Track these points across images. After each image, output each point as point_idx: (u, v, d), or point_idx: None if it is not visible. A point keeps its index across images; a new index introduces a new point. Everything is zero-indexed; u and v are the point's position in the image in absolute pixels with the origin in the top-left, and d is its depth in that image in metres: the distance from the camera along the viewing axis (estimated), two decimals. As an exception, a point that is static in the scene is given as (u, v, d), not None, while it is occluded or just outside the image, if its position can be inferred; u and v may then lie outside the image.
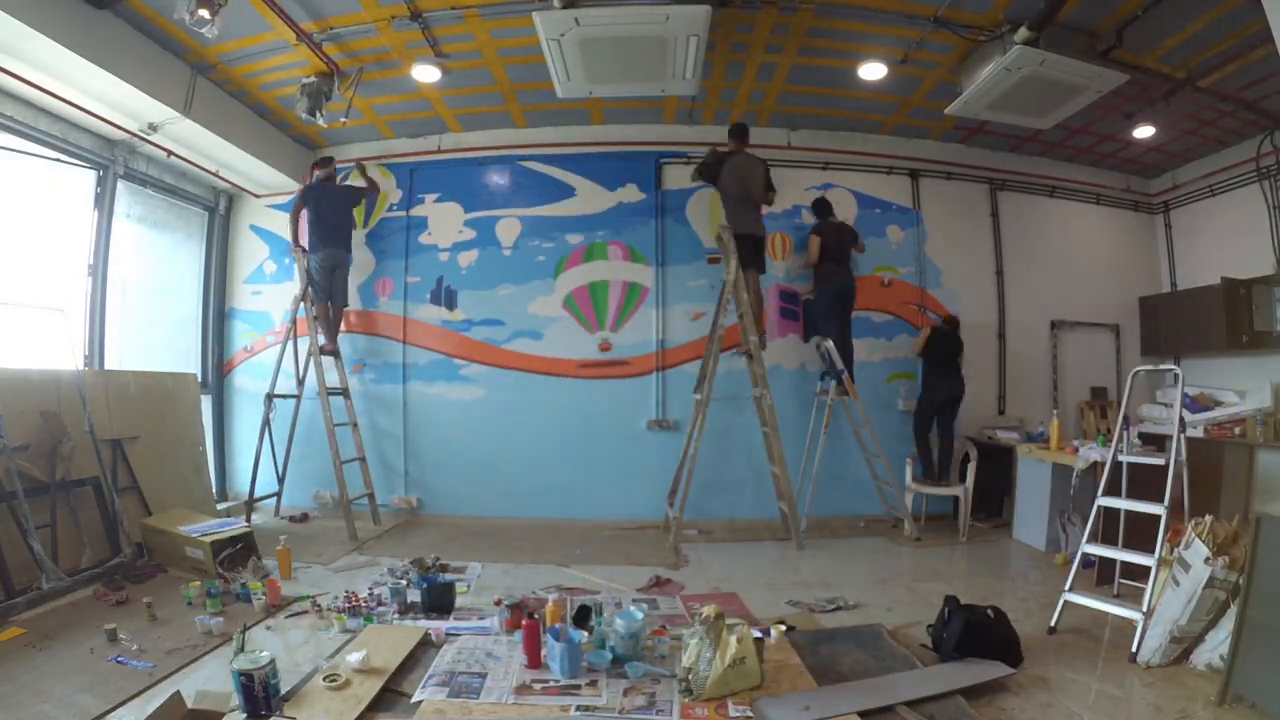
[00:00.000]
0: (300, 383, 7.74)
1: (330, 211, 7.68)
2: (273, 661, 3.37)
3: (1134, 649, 4.03)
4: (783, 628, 4.40)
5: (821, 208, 7.81)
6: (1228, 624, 3.66)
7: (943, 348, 7.65)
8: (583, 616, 4.45)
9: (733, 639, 3.57)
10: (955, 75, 6.54)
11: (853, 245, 7.75)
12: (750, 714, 3.35)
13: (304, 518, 7.90)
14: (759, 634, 4.09)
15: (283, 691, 3.47)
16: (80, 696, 3.53)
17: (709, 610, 3.74)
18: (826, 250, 7.51)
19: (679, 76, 6.02)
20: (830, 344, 7.27)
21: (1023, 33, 5.47)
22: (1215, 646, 3.76)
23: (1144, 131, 7.72)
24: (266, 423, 7.61)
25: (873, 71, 6.72)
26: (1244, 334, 7.49)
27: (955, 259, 8.38)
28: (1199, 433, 7.34)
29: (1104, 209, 9.07)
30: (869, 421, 7.26)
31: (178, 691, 3.18)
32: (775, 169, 7.93)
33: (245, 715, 3.20)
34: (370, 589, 5.24)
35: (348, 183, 8.13)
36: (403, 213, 8.36)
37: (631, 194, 8.13)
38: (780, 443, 6.96)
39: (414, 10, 5.74)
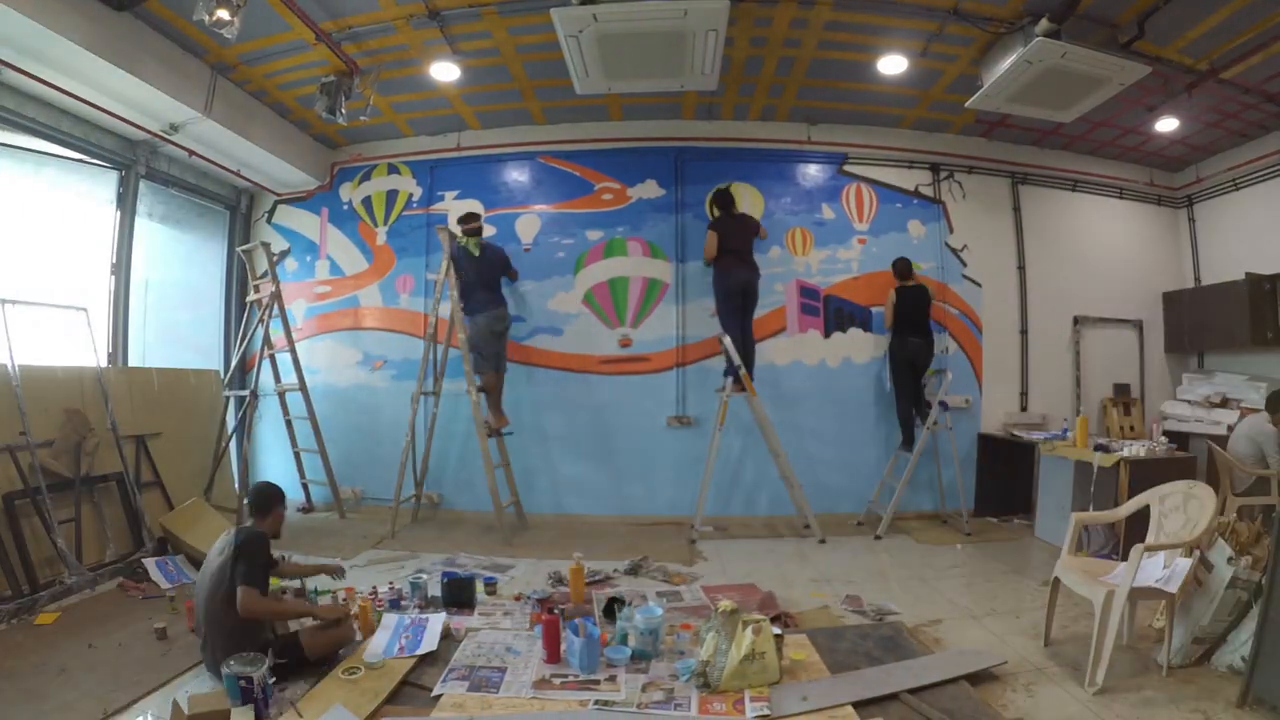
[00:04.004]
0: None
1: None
2: (266, 663, 3.35)
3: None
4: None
5: (722, 200, 7.57)
6: (1250, 625, 3.62)
7: (908, 304, 7.55)
8: (612, 609, 4.50)
9: (748, 631, 3.58)
10: (976, 68, 6.48)
11: (754, 235, 7.56)
12: (768, 709, 3.34)
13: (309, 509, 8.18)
14: (779, 630, 4.09)
15: (299, 687, 3.51)
16: (104, 689, 3.58)
17: (725, 604, 3.75)
18: (726, 245, 7.33)
19: (698, 72, 5.98)
20: (729, 340, 7.12)
21: (1044, 25, 5.42)
22: (1237, 648, 3.72)
23: (1167, 125, 7.62)
24: (237, 422, 7.66)
25: (892, 65, 6.68)
26: (1269, 330, 7.41)
27: (976, 254, 8.30)
28: (1222, 430, 7.29)
29: (1127, 203, 8.97)
30: (767, 421, 7.18)
31: (174, 701, 3.22)
32: (795, 163, 8.07)
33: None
34: (391, 584, 5.26)
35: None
36: (423, 210, 8.39)
37: (651, 190, 8.12)
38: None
39: (432, 9, 5.76)
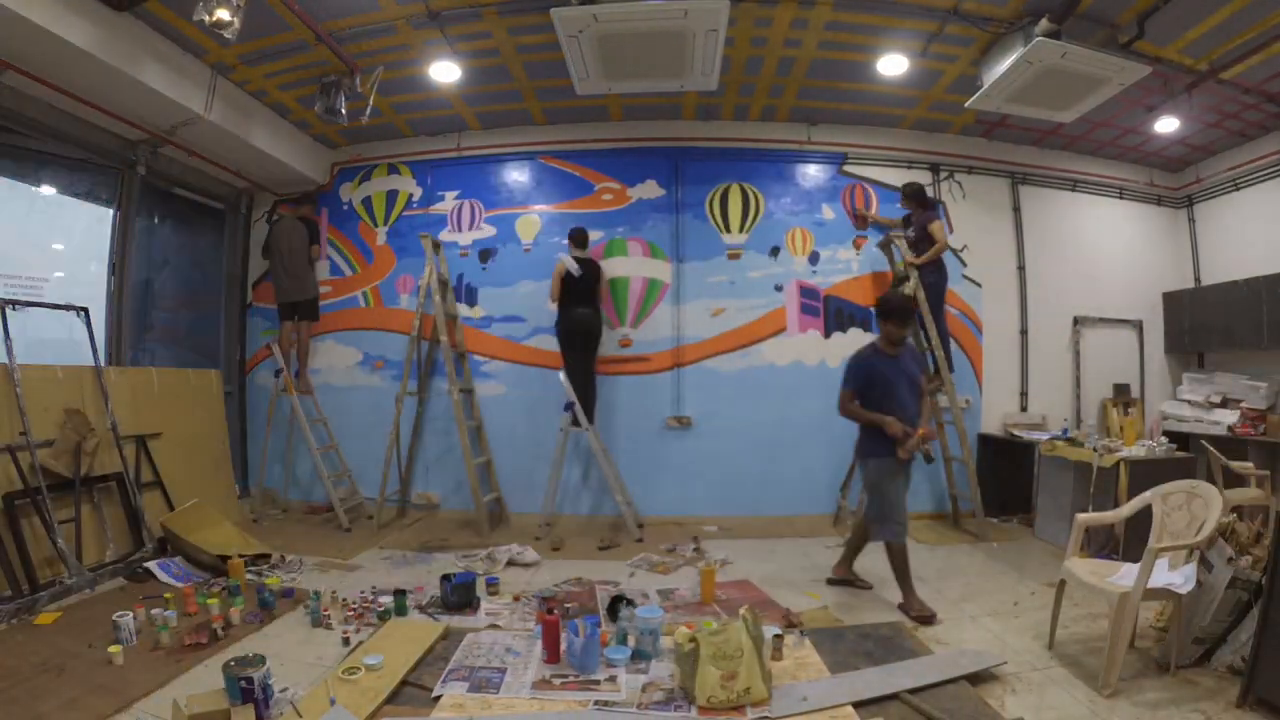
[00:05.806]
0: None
1: None
2: (266, 663, 3.34)
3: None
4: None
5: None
6: (1250, 625, 3.61)
7: (578, 277, 7.39)
8: (615, 607, 4.51)
9: (712, 671, 3.39)
10: (976, 68, 6.47)
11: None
12: (768, 713, 3.34)
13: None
14: (778, 631, 4.08)
15: (299, 687, 3.51)
16: (104, 689, 3.59)
17: (680, 636, 3.61)
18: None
19: (698, 72, 5.96)
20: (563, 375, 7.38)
21: (1044, 25, 5.41)
22: (1237, 648, 3.72)
23: (1167, 125, 7.58)
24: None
25: (893, 65, 6.66)
26: (1269, 330, 7.40)
27: (976, 254, 8.28)
28: (1223, 431, 7.28)
29: (1127, 203, 8.96)
30: (608, 455, 7.47)
31: (174, 701, 3.21)
32: (795, 164, 8.06)
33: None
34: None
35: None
36: (423, 210, 8.40)
37: (651, 190, 8.12)
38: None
39: (432, 9, 5.75)
